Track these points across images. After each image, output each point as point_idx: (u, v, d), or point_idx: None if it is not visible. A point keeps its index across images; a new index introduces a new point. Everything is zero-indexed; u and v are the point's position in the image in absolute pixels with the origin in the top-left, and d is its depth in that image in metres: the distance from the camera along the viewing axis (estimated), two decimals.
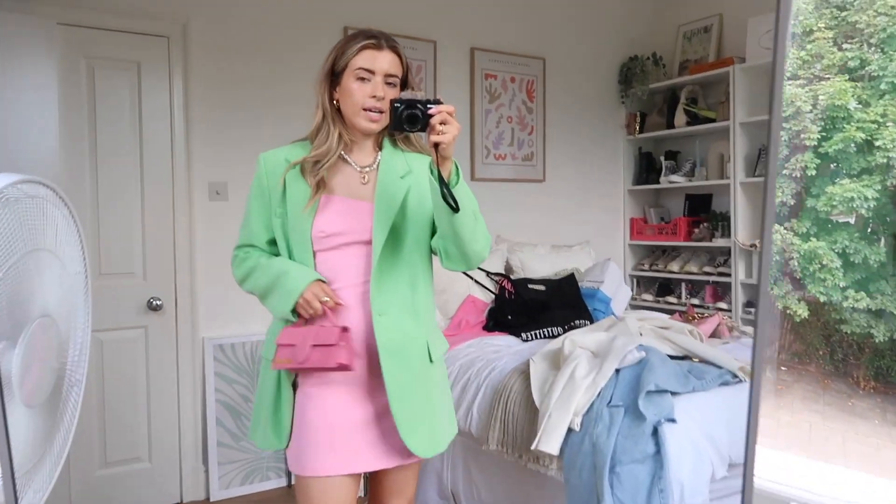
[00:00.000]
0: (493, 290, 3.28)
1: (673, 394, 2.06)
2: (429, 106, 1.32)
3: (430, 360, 1.53)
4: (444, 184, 1.33)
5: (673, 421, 1.97)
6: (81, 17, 2.87)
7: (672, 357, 2.33)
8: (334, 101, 1.51)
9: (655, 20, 4.62)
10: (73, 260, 1.09)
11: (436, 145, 1.31)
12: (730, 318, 3.42)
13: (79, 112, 2.88)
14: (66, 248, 1.05)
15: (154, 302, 3.04)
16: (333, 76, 1.50)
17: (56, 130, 2.76)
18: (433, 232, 1.51)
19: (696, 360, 2.37)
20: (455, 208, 1.33)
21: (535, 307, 3.12)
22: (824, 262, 2.66)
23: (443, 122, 1.30)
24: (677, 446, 1.93)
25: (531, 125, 4.16)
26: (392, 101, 1.33)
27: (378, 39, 1.48)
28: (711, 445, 2.01)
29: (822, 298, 2.68)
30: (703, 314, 3.02)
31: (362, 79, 1.46)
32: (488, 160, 4.00)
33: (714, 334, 2.90)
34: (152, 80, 3.03)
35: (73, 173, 2.86)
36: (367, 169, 1.54)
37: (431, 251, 1.55)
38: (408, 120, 1.32)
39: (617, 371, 2.16)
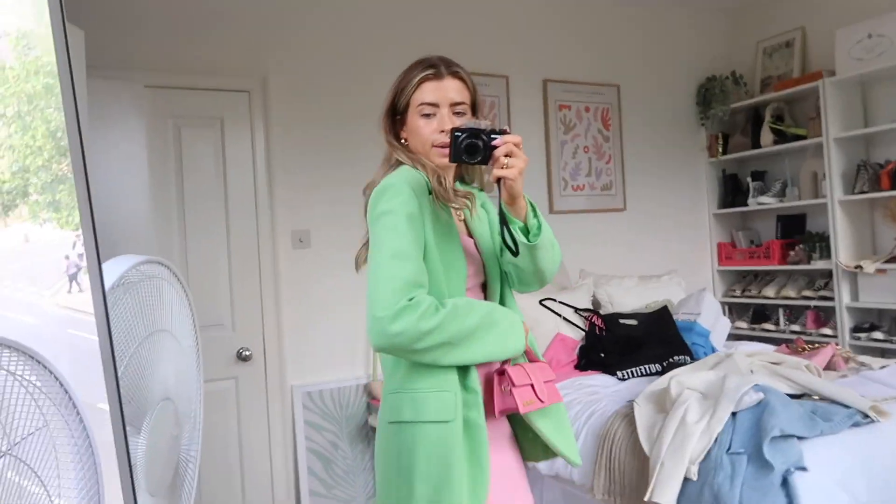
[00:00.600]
0: (583, 326, 3.16)
1: (799, 438, 1.89)
2: (493, 136, 1.20)
3: None
4: (504, 223, 1.24)
5: (804, 469, 1.80)
6: (167, 79, 2.98)
7: (790, 396, 2.15)
8: (402, 140, 1.38)
9: (732, 38, 4.47)
10: (185, 335, 1.06)
11: (499, 180, 1.20)
12: (843, 347, 3.19)
13: (166, 169, 2.97)
14: (180, 323, 1.03)
15: (243, 352, 3.06)
16: (396, 114, 1.39)
17: (147, 189, 2.85)
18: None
19: (817, 398, 2.19)
20: (514, 251, 1.25)
21: (629, 343, 2.98)
22: None
23: (508, 155, 1.19)
24: (811, 498, 1.76)
25: (608, 154, 4.06)
26: (452, 130, 1.22)
27: (437, 68, 1.35)
28: (848, 495, 1.83)
29: None
30: (813, 345, 2.81)
31: (427, 115, 1.33)
32: (566, 192, 3.91)
33: (828, 366, 2.68)
34: (235, 133, 3.11)
35: (161, 230, 2.94)
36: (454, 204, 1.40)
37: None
38: (467, 150, 1.20)
39: (733, 414, 2.01)
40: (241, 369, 3.08)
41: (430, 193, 1.30)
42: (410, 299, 1.16)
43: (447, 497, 1.16)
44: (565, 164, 3.92)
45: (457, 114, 1.34)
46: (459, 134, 1.21)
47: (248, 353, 3.07)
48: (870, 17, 3.65)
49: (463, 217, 1.40)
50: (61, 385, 0.73)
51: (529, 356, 1.33)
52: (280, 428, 3.13)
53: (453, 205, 1.32)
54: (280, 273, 3.17)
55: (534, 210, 1.27)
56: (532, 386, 1.22)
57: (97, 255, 0.83)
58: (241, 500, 3.05)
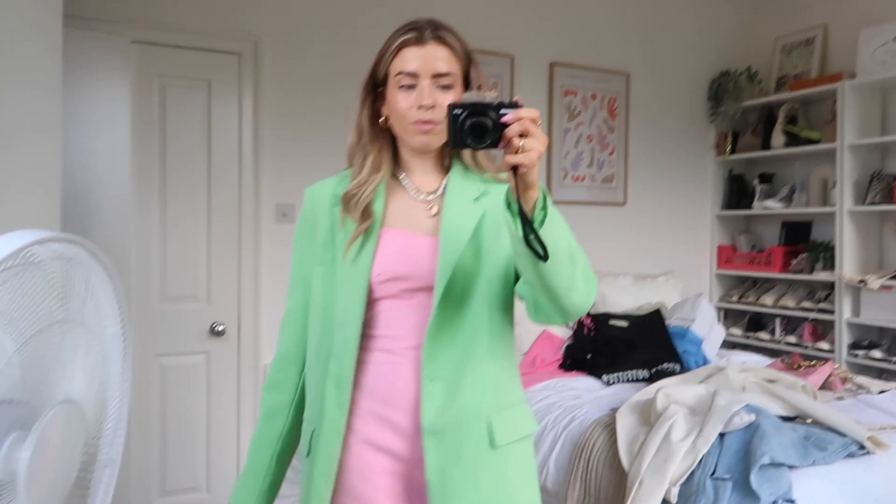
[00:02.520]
0: (571, 324, 3.04)
1: (790, 467, 1.77)
2: (502, 112, 0.92)
3: (492, 446, 1.13)
4: (526, 222, 0.93)
5: (792, 502, 1.68)
6: (155, 35, 2.82)
7: (782, 418, 2.03)
8: (381, 119, 1.20)
9: (750, 32, 4.28)
10: (109, 321, 0.93)
11: (514, 168, 0.92)
12: (841, 366, 3.06)
13: (149, 130, 2.83)
14: (97, 312, 0.89)
15: (217, 327, 2.94)
16: (377, 86, 1.20)
17: (128, 148, 2.72)
18: (515, 274, 1.14)
19: (810, 421, 2.07)
20: (543, 255, 0.94)
21: (618, 346, 2.86)
22: None
23: (523, 134, 0.91)
24: None
25: (612, 145, 3.90)
26: (450, 107, 0.95)
27: (420, 31, 1.14)
28: None
29: None
30: (811, 362, 2.69)
31: (406, 86, 1.14)
32: (566, 182, 3.77)
33: (824, 385, 2.57)
34: (222, 97, 2.95)
35: (141, 192, 2.81)
36: (433, 196, 1.21)
37: (511, 297, 1.18)
38: (472, 131, 0.93)
39: (721, 435, 1.89)
40: (214, 344, 2.96)
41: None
42: (282, 332, 1.32)
43: None
44: (567, 153, 3.77)
45: (442, 87, 1.14)
46: (460, 111, 0.93)
47: (221, 327, 2.94)
48: None
49: (435, 212, 1.20)
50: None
51: None
52: (251, 407, 3.02)
53: (351, 218, 1.17)
54: (261, 247, 3.04)
55: (544, 201, 0.97)
56: None
57: None
58: (205, 480, 2.95)
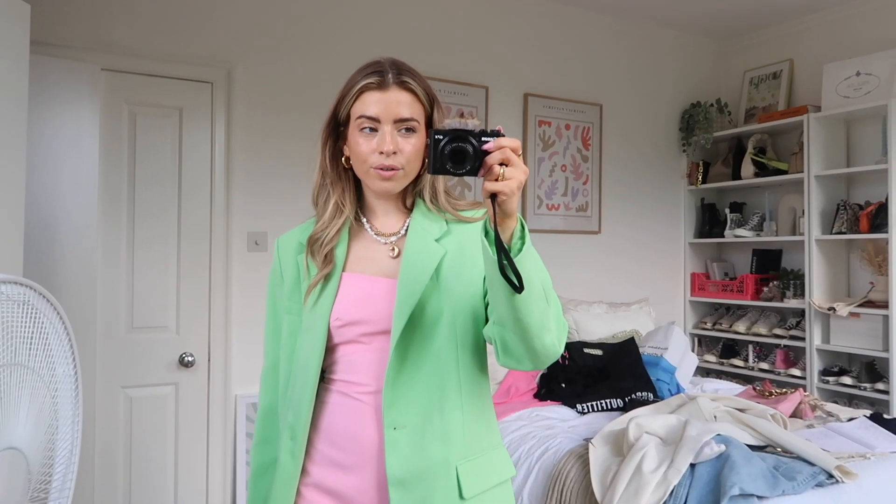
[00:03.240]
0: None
1: (759, 497, 1.77)
2: (484, 139, 0.93)
3: (461, 496, 1.09)
4: (503, 251, 0.92)
5: None
6: (126, 63, 2.80)
7: (752, 447, 2.04)
8: (343, 159, 1.18)
9: (719, 65, 4.39)
10: (60, 361, 0.90)
11: (493, 196, 0.91)
12: (811, 393, 3.09)
13: (119, 157, 2.80)
14: (52, 352, 0.87)
15: (186, 358, 2.88)
16: (339, 127, 1.18)
17: (96, 176, 2.68)
18: (485, 315, 1.12)
19: (780, 449, 2.07)
20: (518, 287, 0.92)
21: (592, 374, 2.86)
22: None
23: (504, 163, 0.91)
24: None
25: (586, 174, 3.94)
26: (431, 132, 0.95)
27: (382, 75, 1.12)
28: None
29: None
30: (782, 390, 2.71)
31: (368, 129, 1.12)
32: (540, 210, 3.79)
33: (795, 413, 2.58)
34: (194, 125, 2.94)
35: (109, 220, 2.78)
36: (394, 237, 1.19)
37: (481, 341, 1.14)
38: (452, 157, 0.93)
39: (692, 466, 1.89)
40: (183, 375, 2.91)
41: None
42: (262, 384, 1.30)
43: None
44: (541, 182, 3.80)
45: (405, 131, 1.12)
46: (441, 136, 0.94)
47: (191, 358, 2.89)
48: (859, 54, 3.58)
49: (396, 254, 1.19)
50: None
51: None
52: (220, 439, 2.96)
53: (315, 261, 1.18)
54: (232, 276, 3.00)
55: (522, 231, 0.96)
56: None
57: None
58: None
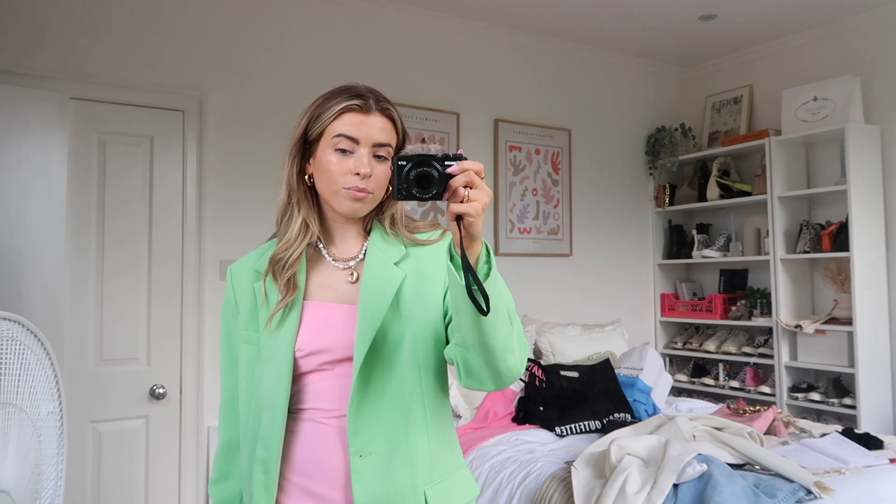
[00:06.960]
0: (522, 377, 3.03)
1: None
2: (447, 163, 0.94)
3: None
4: (471, 273, 0.93)
5: None
6: (95, 91, 2.77)
7: (732, 466, 2.06)
8: (306, 177, 1.17)
9: (682, 91, 4.51)
10: (45, 399, 0.88)
11: (458, 218, 0.93)
12: (783, 410, 3.14)
13: (88, 186, 2.75)
14: (32, 391, 0.84)
15: (157, 390, 2.81)
16: (306, 144, 1.17)
17: (64, 205, 2.62)
18: (445, 337, 1.12)
19: (758, 467, 2.10)
20: (484, 309, 0.94)
21: (570, 397, 2.87)
22: None
23: (468, 186, 0.93)
24: None
25: (557, 198, 4.00)
26: (395, 159, 0.95)
27: (365, 99, 1.13)
28: None
29: None
30: (755, 407, 2.75)
31: (343, 150, 1.12)
32: (512, 234, 3.82)
33: (769, 430, 2.62)
34: (165, 154, 2.90)
35: (77, 249, 2.72)
36: (353, 262, 1.18)
37: (442, 362, 1.14)
38: (417, 182, 0.94)
39: (675, 486, 1.90)
40: (154, 408, 2.83)
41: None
42: (222, 420, 1.28)
43: None
44: (513, 206, 3.84)
45: (377, 157, 1.13)
46: (405, 163, 0.95)
47: (162, 390, 2.82)
48: (815, 80, 3.72)
49: (355, 279, 1.17)
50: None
51: None
52: (192, 473, 2.88)
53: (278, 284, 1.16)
54: (204, 305, 2.95)
55: (487, 256, 0.98)
56: None
57: None
58: None
